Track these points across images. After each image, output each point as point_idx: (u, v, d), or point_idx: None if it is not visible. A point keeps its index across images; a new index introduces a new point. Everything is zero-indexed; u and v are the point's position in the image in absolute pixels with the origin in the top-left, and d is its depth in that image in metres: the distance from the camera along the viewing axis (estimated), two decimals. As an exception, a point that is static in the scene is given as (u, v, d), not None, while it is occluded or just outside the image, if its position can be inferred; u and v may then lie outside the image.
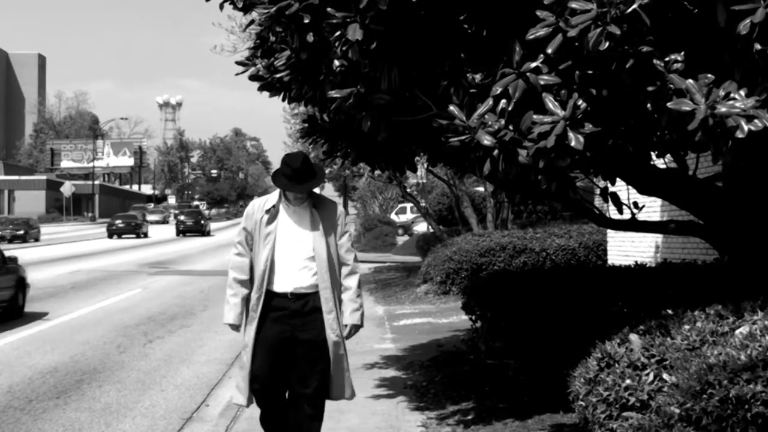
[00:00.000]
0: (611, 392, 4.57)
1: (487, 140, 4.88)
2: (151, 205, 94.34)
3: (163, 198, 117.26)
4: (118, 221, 52.65)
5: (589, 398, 4.71)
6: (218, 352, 11.39)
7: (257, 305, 5.57)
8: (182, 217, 57.12)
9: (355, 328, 5.62)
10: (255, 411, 5.92)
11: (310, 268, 5.53)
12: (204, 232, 55.66)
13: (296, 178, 5.48)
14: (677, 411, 4.11)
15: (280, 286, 5.55)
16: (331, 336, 5.52)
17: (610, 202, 6.53)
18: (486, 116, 4.95)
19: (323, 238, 5.54)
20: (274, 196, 5.71)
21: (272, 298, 5.55)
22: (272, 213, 5.61)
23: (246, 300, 5.63)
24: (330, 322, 5.51)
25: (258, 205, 5.72)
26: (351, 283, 5.63)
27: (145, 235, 52.86)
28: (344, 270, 5.64)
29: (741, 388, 3.96)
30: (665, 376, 4.44)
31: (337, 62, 5.58)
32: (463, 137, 4.99)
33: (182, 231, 54.92)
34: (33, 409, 8.23)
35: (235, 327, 5.67)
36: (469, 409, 7.51)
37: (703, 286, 6.09)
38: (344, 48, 5.28)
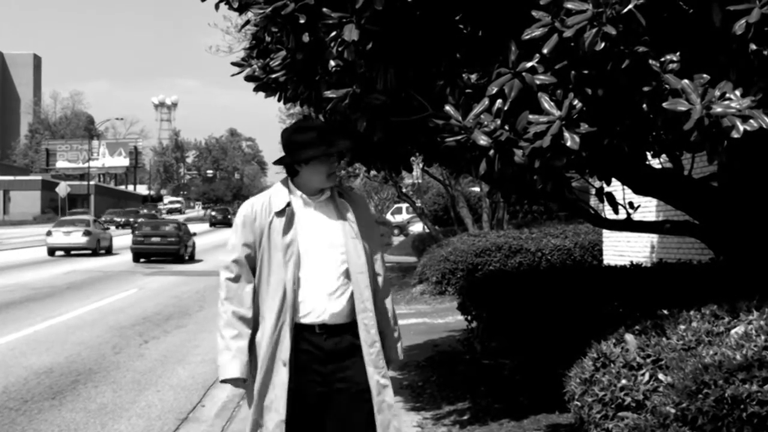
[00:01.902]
0: (607, 392, 4.57)
1: (483, 140, 4.88)
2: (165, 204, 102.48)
3: (158, 198, 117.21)
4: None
5: (584, 398, 4.70)
6: (214, 353, 11.36)
7: (283, 347, 3.93)
8: (213, 213, 74.61)
9: (397, 363, 4.24)
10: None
11: (344, 288, 3.99)
12: (231, 225, 66.24)
13: (331, 134, 4.06)
14: (673, 411, 4.11)
15: (308, 316, 3.97)
16: (375, 377, 3.94)
17: (606, 202, 6.53)
18: (482, 116, 4.95)
19: (359, 243, 4.02)
20: (279, 191, 4.08)
21: (300, 336, 3.96)
22: (288, 215, 3.99)
23: (252, 343, 4.04)
24: (373, 358, 3.96)
25: (261, 208, 4.04)
26: (388, 304, 4.17)
27: None
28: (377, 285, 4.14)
29: (736, 387, 3.96)
30: (661, 376, 4.44)
31: (332, 62, 5.56)
32: (459, 137, 4.98)
33: (214, 224, 69.68)
34: (28, 410, 8.22)
35: (242, 382, 4.01)
36: (465, 409, 7.50)
37: (698, 286, 6.08)
38: (340, 48, 5.27)
